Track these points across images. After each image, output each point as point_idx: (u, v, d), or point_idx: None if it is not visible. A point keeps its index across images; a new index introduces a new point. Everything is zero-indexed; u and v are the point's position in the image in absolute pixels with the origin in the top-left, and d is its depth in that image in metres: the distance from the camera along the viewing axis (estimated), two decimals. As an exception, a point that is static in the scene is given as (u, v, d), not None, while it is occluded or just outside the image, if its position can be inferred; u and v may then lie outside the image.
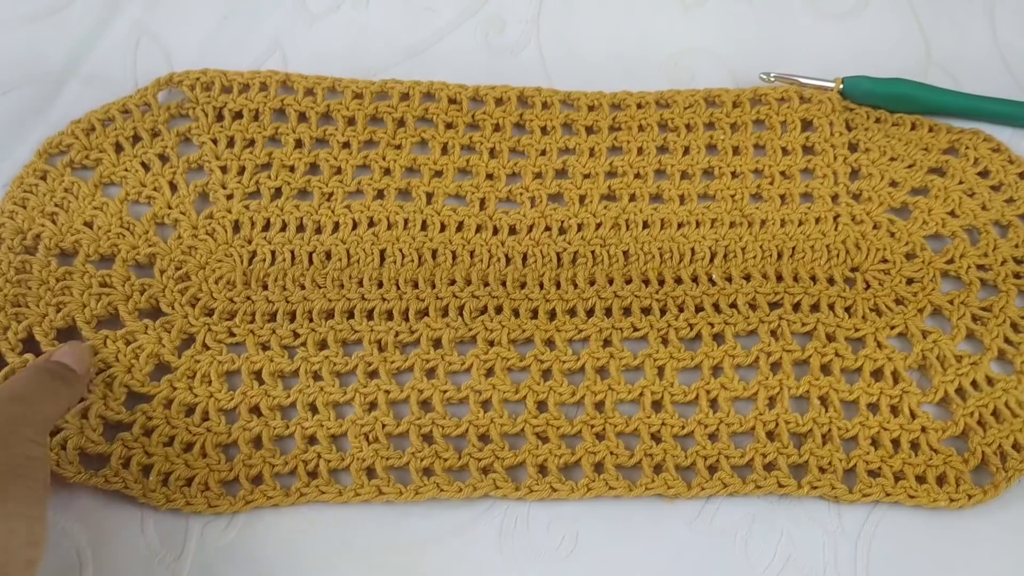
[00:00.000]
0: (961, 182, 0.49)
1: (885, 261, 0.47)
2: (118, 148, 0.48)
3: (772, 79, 0.52)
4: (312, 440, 0.42)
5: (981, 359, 0.45)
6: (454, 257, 0.47)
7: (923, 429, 0.43)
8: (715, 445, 0.43)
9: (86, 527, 0.41)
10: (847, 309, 0.46)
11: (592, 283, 0.46)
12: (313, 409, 0.43)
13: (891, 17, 0.56)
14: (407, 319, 0.45)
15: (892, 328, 0.45)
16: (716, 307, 0.46)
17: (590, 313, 0.46)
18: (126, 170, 0.48)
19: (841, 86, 0.52)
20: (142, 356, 0.43)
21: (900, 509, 0.42)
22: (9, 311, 0.43)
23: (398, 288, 0.45)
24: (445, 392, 0.43)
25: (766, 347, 0.44)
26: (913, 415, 0.43)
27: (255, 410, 0.43)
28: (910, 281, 0.47)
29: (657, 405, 0.44)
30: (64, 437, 0.41)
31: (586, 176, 0.49)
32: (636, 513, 0.42)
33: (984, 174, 0.50)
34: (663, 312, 0.46)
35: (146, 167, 0.48)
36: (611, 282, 0.46)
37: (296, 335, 0.44)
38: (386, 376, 0.43)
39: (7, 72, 0.52)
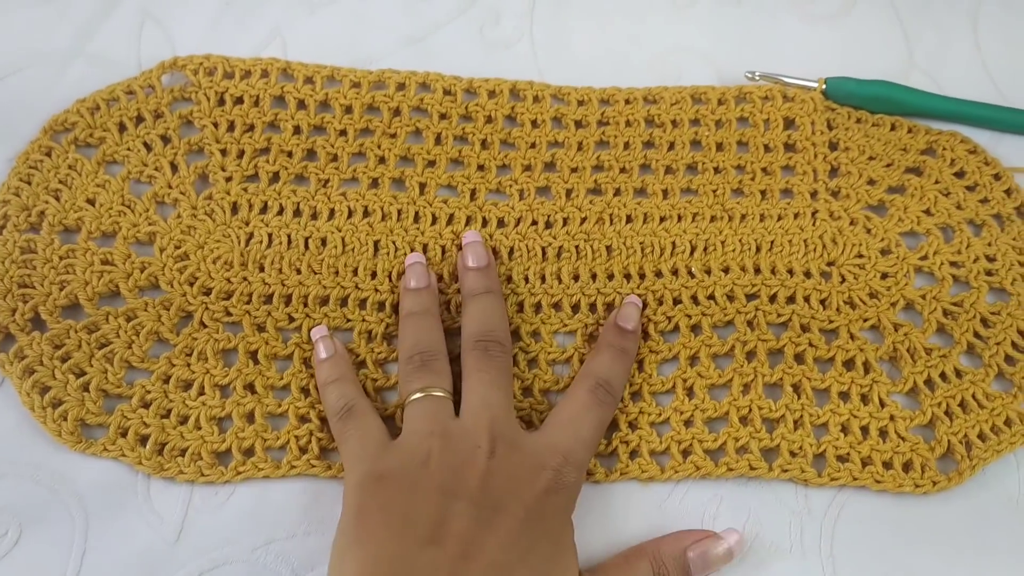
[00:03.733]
0: (937, 182, 0.51)
1: (861, 256, 0.49)
2: (121, 128, 0.50)
3: (757, 78, 0.53)
4: (304, 419, 0.44)
5: (950, 352, 0.46)
6: (443, 252, 0.48)
7: (892, 417, 0.45)
8: (690, 430, 0.44)
9: (85, 497, 0.42)
10: (822, 301, 0.47)
11: (576, 278, 0.48)
12: (306, 392, 0.44)
13: (876, 21, 0.57)
14: (397, 313, 0.46)
15: (865, 321, 0.47)
16: (694, 299, 0.47)
17: (575, 308, 0.47)
18: (128, 149, 0.49)
19: (824, 86, 0.53)
20: (142, 333, 0.44)
21: (866, 492, 0.44)
22: (16, 292, 0.45)
23: (391, 280, 0.47)
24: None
25: (742, 336, 0.46)
26: (883, 404, 0.45)
27: (250, 387, 0.44)
28: (884, 276, 0.48)
29: (636, 396, 0.45)
30: (65, 409, 0.43)
31: (573, 170, 0.51)
32: (608, 494, 0.43)
33: (960, 174, 0.52)
34: (644, 306, 0.47)
35: (148, 147, 0.49)
36: (594, 277, 0.48)
37: (291, 319, 0.46)
38: (373, 367, 0.45)
39: (14, 52, 0.53)
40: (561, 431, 0.41)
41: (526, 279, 0.48)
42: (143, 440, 0.43)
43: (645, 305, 0.47)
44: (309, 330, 0.45)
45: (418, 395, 0.41)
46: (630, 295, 0.47)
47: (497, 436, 0.39)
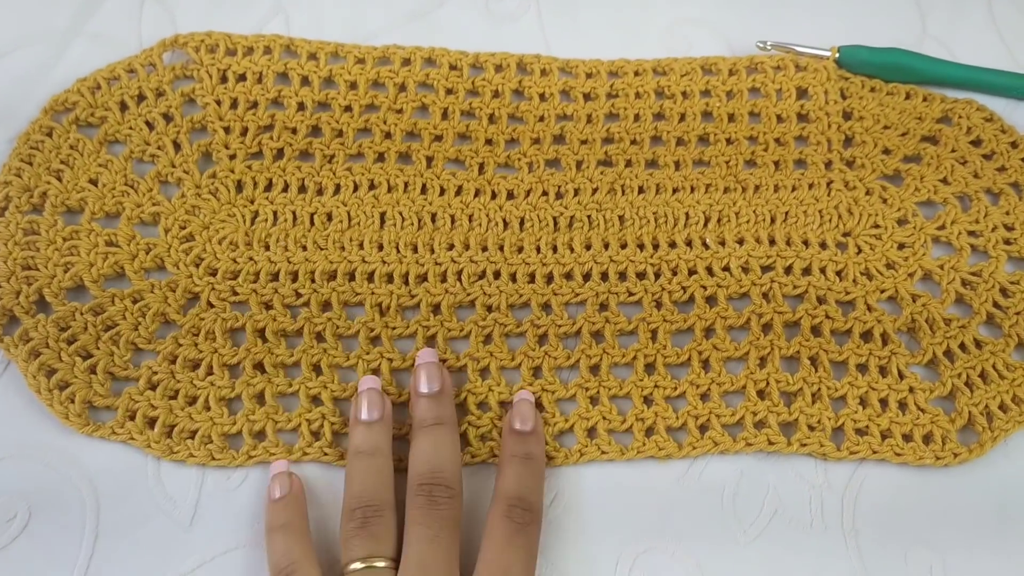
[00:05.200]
0: (954, 150, 0.50)
1: (877, 226, 0.48)
2: (123, 107, 0.49)
3: (769, 48, 0.53)
4: (316, 400, 0.43)
5: (970, 322, 0.46)
6: (453, 221, 0.47)
7: (911, 389, 0.44)
8: (706, 405, 0.44)
9: (95, 480, 0.41)
10: (838, 273, 0.47)
11: (588, 247, 0.47)
12: (317, 370, 0.44)
13: (888, -13, 0.57)
14: (407, 283, 0.46)
15: (882, 292, 0.46)
16: (709, 270, 0.47)
17: (586, 277, 0.46)
18: (131, 128, 0.48)
19: (837, 55, 0.52)
20: (148, 314, 0.44)
21: (886, 465, 0.43)
22: (20, 275, 0.44)
23: (398, 251, 0.46)
24: (444, 360, 0.44)
25: (758, 308, 0.45)
26: (901, 375, 0.44)
27: (259, 366, 0.44)
28: (901, 246, 0.48)
29: (650, 368, 0.45)
30: (72, 391, 0.42)
31: (583, 142, 0.50)
32: (625, 470, 0.43)
33: (977, 143, 0.51)
34: (657, 276, 0.46)
35: (150, 126, 0.49)
36: (607, 246, 0.47)
37: (298, 295, 0.45)
38: (388, 343, 0.44)
39: (14, 31, 0.52)
40: None
41: (538, 249, 0.47)
42: (151, 423, 0.42)
43: (659, 275, 0.46)
44: (318, 305, 0.45)
45: (359, 565, 0.38)
46: (522, 391, 0.44)
47: None
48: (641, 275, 0.46)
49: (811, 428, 0.43)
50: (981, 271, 0.47)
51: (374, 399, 0.42)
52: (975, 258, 0.48)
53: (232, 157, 0.48)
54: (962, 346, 0.45)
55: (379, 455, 0.41)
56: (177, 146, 0.48)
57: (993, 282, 0.47)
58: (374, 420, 0.41)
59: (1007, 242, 0.48)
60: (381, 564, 0.38)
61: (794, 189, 0.49)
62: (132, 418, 0.42)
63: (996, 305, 0.46)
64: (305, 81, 0.51)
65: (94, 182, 0.47)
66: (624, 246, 0.47)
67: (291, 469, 0.42)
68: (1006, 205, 0.49)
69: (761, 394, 0.44)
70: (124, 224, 0.46)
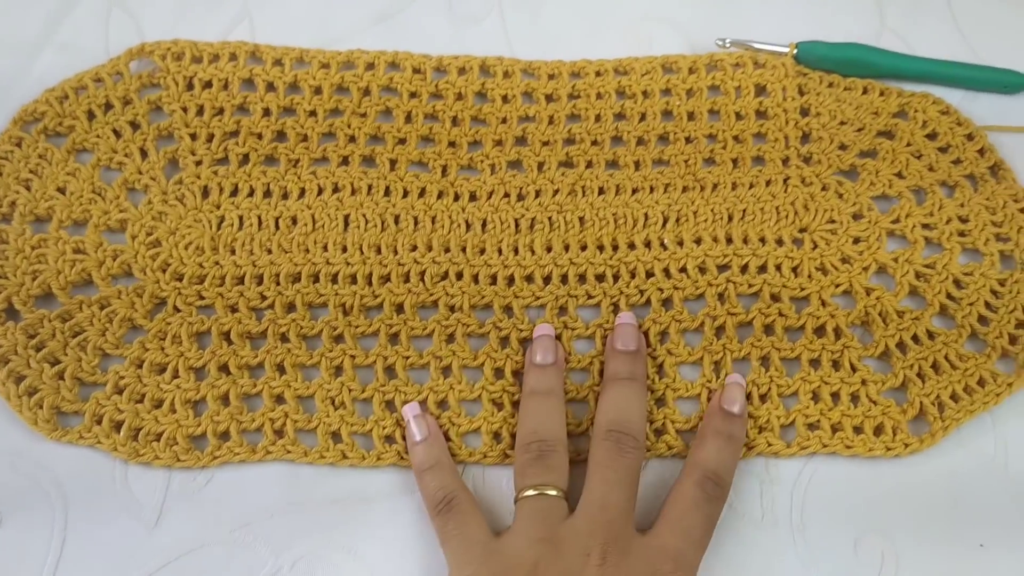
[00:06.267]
0: (909, 144, 0.51)
1: (832, 221, 0.49)
2: (90, 115, 0.50)
3: (728, 45, 0.53)
4: (279, 399, 0.44)
5: (923, 314, 0.47)
6: (416, 223, 0.48)
7: (863, 382, 0.45)
8: (661, 410, 0.45)
9: (64, 484, 0.43)
10: (794, 269, 0.48)
11: (549, 249, 0.48)
12: (281, 369, 0.45)
13: (847, -18, 0.57)
14: (371, 284, 0.47)
15: (837, 286, 0.47)
16: (666, 272, 0.47)
17: (547, 280, 0.47)
18: (98, 136, 0.49)
19: (795, 51, 0.53)
20: (115, 320, 0.45)
21: (837, 458, 0.44)
22: None
23: (362, 253, 0.47)
24: (408, 359, 0.45)
25: (712, 311, 0.46)
26: (854, 368, 0.45)
27: (224, 368, 0.45)
28: (856, 240, 0.48)
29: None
30: (41, 397, 0.43)
31: (545, 143, 0.51)
32: (576, 470, 0.43)
33: (932, 136, 0.51)
34: (616, 279, 0.47)
35: (117, 134, 0.50)
36: (567, 248, 0.48)
37: (263, 297, 0.46)
38: (351, 341, 0.45)
39: (-19, 42, 0.53)
40: (671, 532, 0.39)
41: (499, 251, 0.48)
42: (118, 426, 0.43)
43: (617, 277, 0.47)
44: (282, 307, 0.45)
45: (531, 492, 0.40)
46: (733, 374, 0.45)
47: (609, 542, 0.38)
48: (600, 277, 0.47)
49: (760, 430, 0.44)
50: (935, 263, 0.48)
51: (548, 345, 0.44)
52: (929, 250, 0.48)
53: (198, 163, 0.49)
54: (915, 338, 0.46)
55: (553, 395, 0.43)
56: (144, 153, 0.49)
57: (947, 274, 0.47)
58: (548, 363, 0.44)
59: (961, 234, 0.48)
60: (553, 493, 0.40)
61: (751, 186, 0.50)
62: (99, 422, 0.43)
63: (950, 296, 0.47)
64: (270, 87, 0.51)
65: (62, 190, 0.48)
66: (584, 248, 0.48)
67: (258, 464, 0.43)
68: (961, 197, 0.49)
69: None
70: (92, 231, 0.47)
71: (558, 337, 0.46)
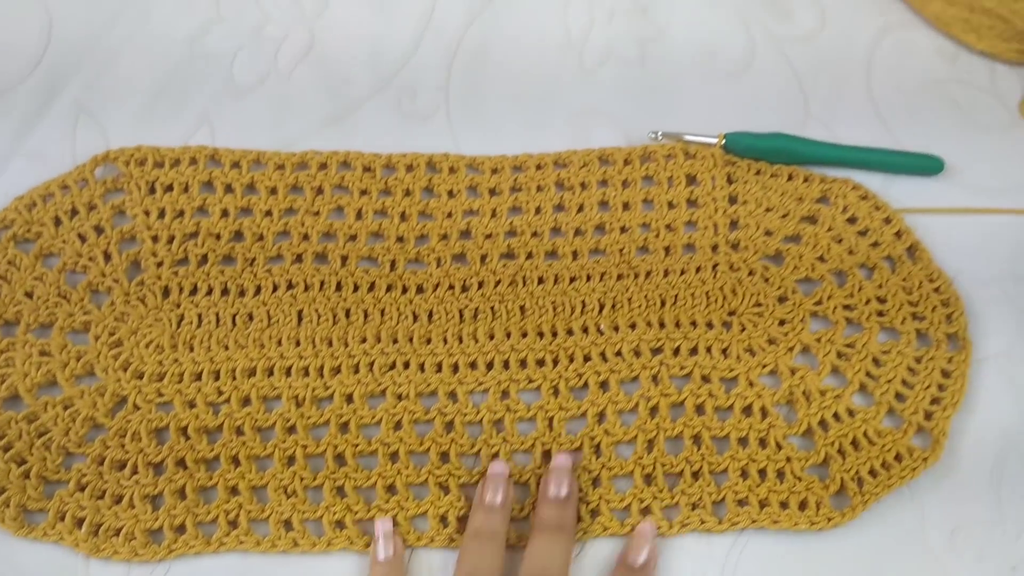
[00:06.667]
0: (830, 229, 0.54)
1: (759, 305, 0.52)
2: (57, 221, 0.53)
3: (660, 137, 0.57)
4: (234, 491, 0.47)
5: (843, 392, 0.49)
6: (366, 316, 0.51)
7: (788, 459, 0.48)
8: (597, 490, 0.47)
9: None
10: (723, 351, 0.50)
11: (491, 337, 0.51)
12: (236, 461, 0.47)
13: (773, 75, 0.61)
14: (322, 376, 0.49)
15: (764, 367, 0.50)
16: (603, 356, 0.50)
17: (490, 366, 0.50)
18: (64, 241, 0.52)
19: (723, 141, 0.56)
20: (78, 420, 0.47)
21: (766, 532, 0.46)
22: None
23: (314, 346, 0.50)
24: (357, 446, 0.48)
25: (646, 392, 0.49)
26: (779, 447, 0.48)
27: (181, 463, 0.47)
28: (782, 322, 0.51)
29: (547, 455, 0.48)
30: (8, 496, 0.45)
31: (487, 236, 0.54)
32: (514, 555, 0.45)
33: (852, 220, 0.55)
34: (555, 363, 0.50)
35: (83, 238, 0.52)
36: (508, 336, 0.51)
37: (220, 392, 0.49)
38: (303, 431, 0.48)
39: (-45, 155, 0.56)
40: None
41: (444, 340, 0.50)
42: (80, 522, 0.45)
43: (556, 362, 0.50)
44: (238, 401, 0.48)
45: None
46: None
47: None
48: (540, 362, 0.50)
49: (694, 507, 0.47)
50: (855, 342, 0.51)
51: (499, 485, 0.45)
52: (850, 330, 0.51)
53: (159, 264, 0.52)
54: (835, 415, 0.49)
55: (495, 540, 0.44)
56: (107, 256, 0.52)
57: (866, 352, 0.50)
58: (496, 504, 0.45)
59: (880, 314, 0.51)
60: None
61: (682, 273, 0.53)
62: (62, 519, 0.45)
63: (869, 375, 0.50)
64: (228, 189, 0.54)
65: (29, 295, 0.51)
66: (525, 335, 0.51)
67: (213, 555, 0.45)
68: (879, 279, 0.52)
69: (648, 478, 0.47)
70: (57, 334, 0.49)
71: (499, 421, 0.48)
